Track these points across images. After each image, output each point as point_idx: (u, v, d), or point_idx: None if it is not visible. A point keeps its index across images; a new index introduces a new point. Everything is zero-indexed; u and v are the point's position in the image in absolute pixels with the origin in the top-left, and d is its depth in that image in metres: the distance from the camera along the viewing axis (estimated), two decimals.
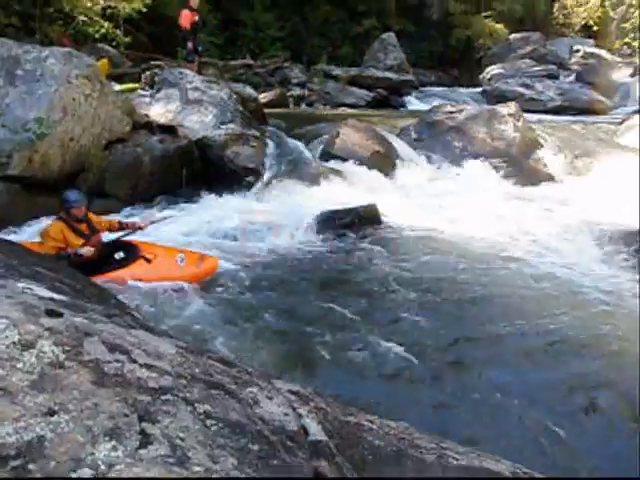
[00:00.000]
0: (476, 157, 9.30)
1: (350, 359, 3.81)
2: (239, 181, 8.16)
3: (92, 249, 4.60)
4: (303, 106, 15.93)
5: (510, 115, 9.79)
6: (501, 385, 3.62)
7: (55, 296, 1.20)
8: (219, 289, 4.92)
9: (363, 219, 6.67)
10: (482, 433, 3.09)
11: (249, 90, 11.24)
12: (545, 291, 5.11)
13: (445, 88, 19.74)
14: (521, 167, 9.23)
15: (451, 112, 10.24)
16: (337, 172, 8.29)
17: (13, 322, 0.97)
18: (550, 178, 9.32)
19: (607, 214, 7.25)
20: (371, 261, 5.77)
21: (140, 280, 4.55)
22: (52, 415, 0.80)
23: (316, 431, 1.08)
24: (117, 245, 4.95)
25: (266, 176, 8.39)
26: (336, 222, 6.58)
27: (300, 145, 9.41)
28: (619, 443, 3.14)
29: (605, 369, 3.85)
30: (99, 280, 4.33)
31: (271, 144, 9.14)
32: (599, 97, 16.43)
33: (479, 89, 18.41)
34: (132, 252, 4.80)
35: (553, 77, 18.21)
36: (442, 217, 7.00)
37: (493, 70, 19.19)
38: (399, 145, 9.60)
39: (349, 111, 14.34)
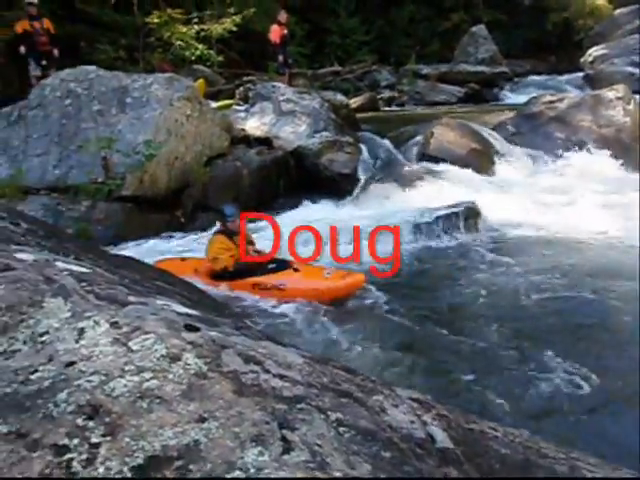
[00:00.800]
0: (582, 147, 8.76)
1: (467, 369, 3.72)
2: (336, 187, 8.27)
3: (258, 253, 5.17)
4: (394, 108, 15.83)
5: (618, 99, 9.14)
6: None
7: (189, 311, 1.30)
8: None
9: (465, 219, 6.51)
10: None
11: (340, 97, 11.37)
12: None
13: (542, 76, 18.75)
14: (635, 153, 8.56)
15: (551, 102, 9.75)
16: (434, 173, 8.16)
17: (160, 336, 1.08)
18: None
19: None
20: (478, 264, 5.61)
21: (285, 286, 4.85)
22: (203, 422, 0.88)
23: (442, 438, 1.09)
24: (274, 259, 5.29)
25: (362, 181, 8.44)
26: (437, 224, 6.47)
27: (394, 148, 9.38)
28: None
29: None
30: (251, 282, 4.95)
31: (365, 149, 9.19)
32: None
33: (580, 74, 17.28)
34: (283, 263, 5.14)
35: None
36: (550, 214, 6.65)
37: (596, 51, 17.87)
38: (497, 140, 9.29)
39: (441, 109, 14.08)
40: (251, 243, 5.36)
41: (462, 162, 8.39)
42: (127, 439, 0.84)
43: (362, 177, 8.52)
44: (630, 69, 15.16)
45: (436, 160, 8.53)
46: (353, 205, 7.84)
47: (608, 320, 4.40)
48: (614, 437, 3.05)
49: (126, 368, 0.98)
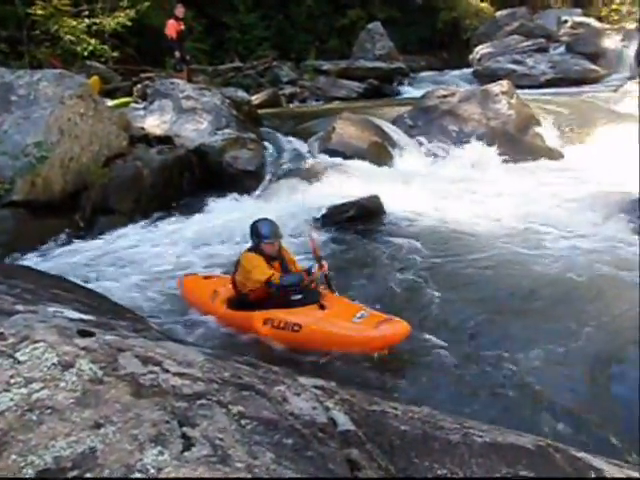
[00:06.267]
0: (473, 138, 9.31)
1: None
2: (240, 185, 8.22)
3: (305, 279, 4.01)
4: (296, 103, 15.94)
5: (503, 93, 9.78)
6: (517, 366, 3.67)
7: (84, 317, 1.26)
8: None
9: (367, 211, 6.73)
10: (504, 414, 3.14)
11: (241, 93, 11.30)
12: (556, 266, 5.14)
13: (436, 72, 19.68)
14: (519, 144, 9.24)
15: (444, 96, 10.25)
16: (337, 166, 8.32)
17: (50, 345, 1.03)
18: (549, 152, 9.32)
19: (609, 182, 7.29)
20: (378, 251, 5.81)
21: (300, 328, 3.87)
22: (99, 428, 0.86)
23: (344, 421, 1.13)
24: (304, 288, 4.23)
25: (267, 177, 8.46)
26: (340, 216, 6.65)
27: (297, 143, 9.48)
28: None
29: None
30: (262, 317, 3.99)
31: (269, 145, 9.21)
32: (591, 66, 16.38)
33: (470, 70, 18.35)
34: (312, 296, 4.09)
35: (543, 51, 18.12)
36: (444, 201, 7.03)
37: (482, 50, 19.10)
38: (395, 134, 9.63)
39: (342, 104, 14.35)
40: (288, 271, 4.29)
41: (363, 155, 8.65)
42: (14, 456, 0.79)
43: (267, 173, 8.54)
44: (512, 66, 16.33)
45: (338, 154, 8.72)
46: (259, 201, 7.83)
47: (499, 276, 4.85)
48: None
49: (12, 381, 0.93)
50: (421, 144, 9.47)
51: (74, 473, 0.78)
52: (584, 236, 5.87)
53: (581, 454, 1.50)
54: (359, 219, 6.61)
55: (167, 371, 1.02)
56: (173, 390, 0.96)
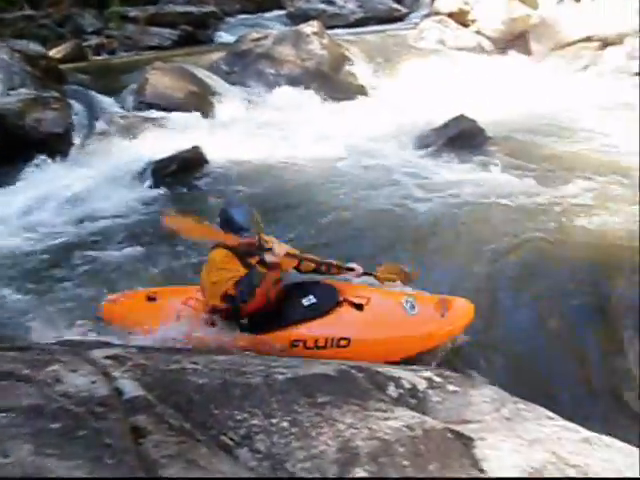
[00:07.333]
0: (289, 80, 9.32)
1: None
2: (49, 149, 7.38)
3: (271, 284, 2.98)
4: (104, 56, 14.64)
5: (315, 34, 9.90)
6: None
7: None
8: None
9: (189, 163, 6.60)
10: None
11: (35, 46, 10.02)
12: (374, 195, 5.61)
13: (251, 15, 19.23)
14: (333, 83, 9.48)
15: (258, 39, 10.11)
16: (153, 120, 7.86)
17: None
18: (361, 89, 9.73)
19: (416, 113, 7.91)
20: (202, 200, 5.84)
21: (350, 341, 2.87)
22: None
23: (132, 389, 1.09)
24: (304, 286, 3.23)
25: (78, 139, 7.75)
26: (163, 172, 6.43)
27: (109, 99, 8.80)
28: None
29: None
30: (284, 337, 2.92)
31: (76, 104, 8.41)
32: (395, 5, 17.20)
33: (284, 11, 18.24)
34: (328, 296, 3.07)
35: None
36: (267, 145, 7.08)
37: None
38: (213, 81, 9.33)
39: (156, 54, 13.50)
40: (273, 267, 3.00)
41: (181, 106, 8.27)
42: None
43: (78, 135, 7.82)
44: (322, 6, 16.55)
45: (154, 107, 8.25)
46: (73, 166, 7.16)
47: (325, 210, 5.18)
48: None
49: None
50: (239, 90, 9.30)
51: None
52: (395, 164, 6.40)
53: (382, 368, 1.64)
54: (183, 172, 6.47)
55: None
56: None
